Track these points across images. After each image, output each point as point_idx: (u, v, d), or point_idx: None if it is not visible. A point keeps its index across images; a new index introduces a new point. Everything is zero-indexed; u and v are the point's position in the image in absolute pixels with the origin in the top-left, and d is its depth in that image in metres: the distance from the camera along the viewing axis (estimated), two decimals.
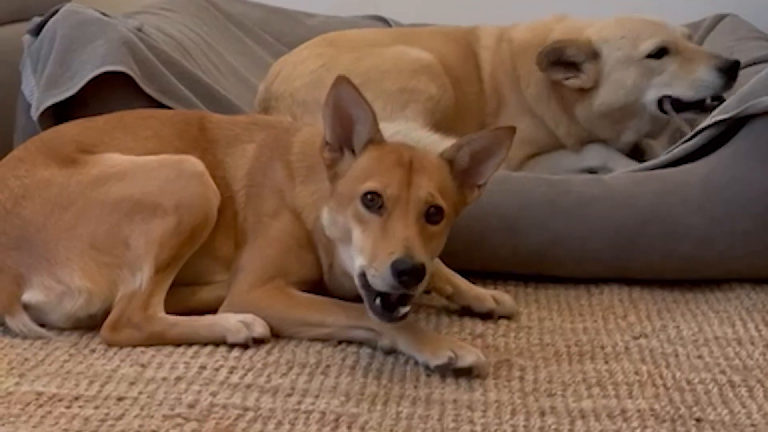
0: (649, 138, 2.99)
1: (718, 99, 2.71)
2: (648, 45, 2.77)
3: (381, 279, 1.80)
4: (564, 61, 2.81)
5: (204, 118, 2.26)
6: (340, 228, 1.95)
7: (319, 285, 2.12)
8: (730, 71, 2.70)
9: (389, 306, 1.84)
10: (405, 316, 1.85)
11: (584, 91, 2.83)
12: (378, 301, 1.84)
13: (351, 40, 2.94)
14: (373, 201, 1.88)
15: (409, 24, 3.65)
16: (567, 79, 2.82)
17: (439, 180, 1.94)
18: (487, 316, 2.18)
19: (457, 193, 1.99)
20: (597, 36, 2.82)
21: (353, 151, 1.98)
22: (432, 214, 1.89)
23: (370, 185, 1.88)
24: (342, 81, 1.93)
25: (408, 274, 1.77)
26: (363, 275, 1.85)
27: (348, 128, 1.97)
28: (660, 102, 2.79)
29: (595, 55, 2.80)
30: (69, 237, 1.96)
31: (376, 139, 1.97)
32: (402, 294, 1.82)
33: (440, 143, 2.56)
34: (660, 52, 2.77)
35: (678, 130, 2.97)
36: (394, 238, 1.81)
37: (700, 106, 2.75)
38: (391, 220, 1.85)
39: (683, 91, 2.75)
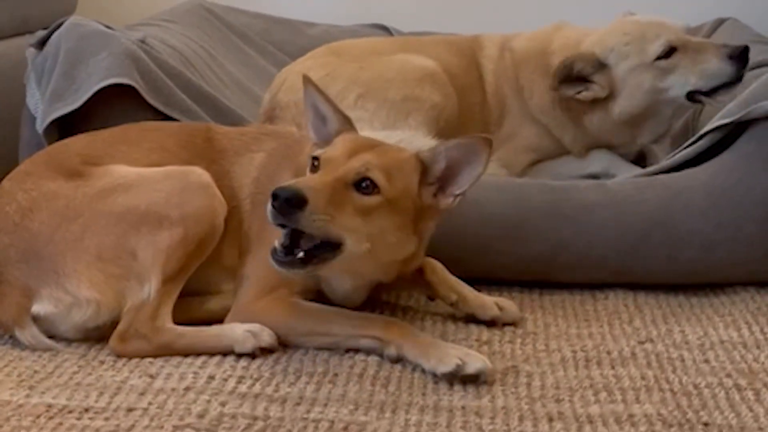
0: (653, 142, 3.00)
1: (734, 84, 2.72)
2: (656, 47, 2.77)
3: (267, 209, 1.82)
4: (573, 76, 2.81)
5: (210, 129, 2.27)
6: None
7: (324, 293, 2.13)
8: (740, 57, 2.70)
9: (286, 249, 1.85)
10: (297, 264, 1.86)
11: (597, 102, 2.83)
12: (276, 242, 1.85)
13: (355, 50, 2.95)
14: (314, 166, 1.93)
15: (410, 32, 3.66)
16: (578, 93, 2.82)
17: (394, 164, 1.94)
18: (491, 323, 2.19)
19: (429, 196, 1.99)
20: (600, 46, 2.82)
21: None
22: (364, 187, 1.90)
23: (316, 153, 1.94)
24: (308, 83, 2.04)
25: (281, 198, 1.78)
26: None
27: (326, 126, 2.05)
28: (689, 95, 2.78)
29: (602, 65, 2.80)
30: (76, 249, 1.98)
31: (344, 130, 2.03)
32: (294, 236, 1.84)
33: None
34: (669, 52, 2.77)
35: (683, 131, 2.98)
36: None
37: (720, 87, 2.74)
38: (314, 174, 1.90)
39: (699, 83, 2.75)
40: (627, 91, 2.80)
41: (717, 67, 2.72)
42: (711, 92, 2.76)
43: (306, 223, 1.82)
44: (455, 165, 1.98)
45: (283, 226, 1.85)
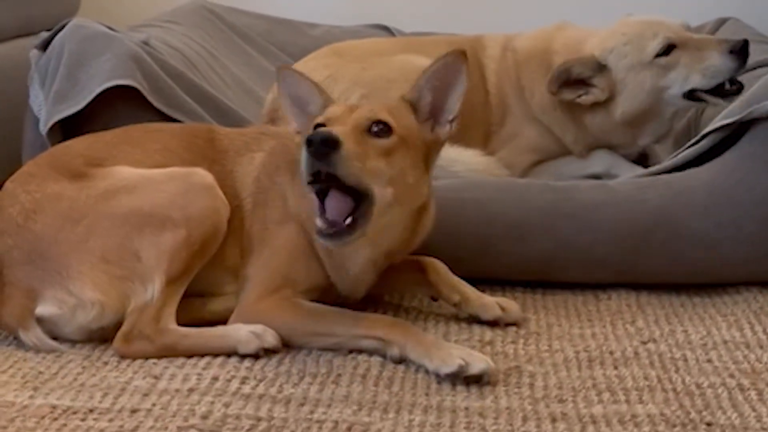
0: (655, 143, 3.00)
1: (736, 83, 2.72)
2: (654, 45, 2.77)
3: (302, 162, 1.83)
4: (572, 79, 2.81)
5: (212, 130, 2.28)
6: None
7: (327, 291, 2.13)
8: (741, 52, 2.69)
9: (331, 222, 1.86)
10: (346, 232, 1.86)
11: (598, 104, 2.83)
12: (318, 221, 1.86)
13: (357, 50, 2.96)
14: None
15: (411, 33, 3.66)
16: (579, 96, 2.81)
17: (391, 108, 1.99)
18: (494, 323, 2.19)
19: (428, 131, 2.04)
20: (600, 48, 2.81)
21: None
22: (378, 131, 1.93)
23: (317, 120, 1.97)
24: (282, 70, 2.08)
25: (316, 140, 1.80)
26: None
27: (306, 109, 2.07)
28: (688, 93, 2.78)
29: (602, 67, 2.80)
30: (80, 250, 1.98)
31: (330, 103, 2.06)
32: (329, 186, 1.84)
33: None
34: (668, 49, 2.76)
35: (685, 131, 2.98)
36: None
37: (720, 92, 2.75)
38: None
39: (699, 80, 2.74)
40: (628, 92, 2.80)
41: (718, 62, 2.71)
42: (711, 91, 2.76)
43: (343, 165, 1.83)
44: (440, 93, 2.03)
45: (317, 179, 1.84)
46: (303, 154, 1.83)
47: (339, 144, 1.82)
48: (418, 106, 2.04)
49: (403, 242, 2.10)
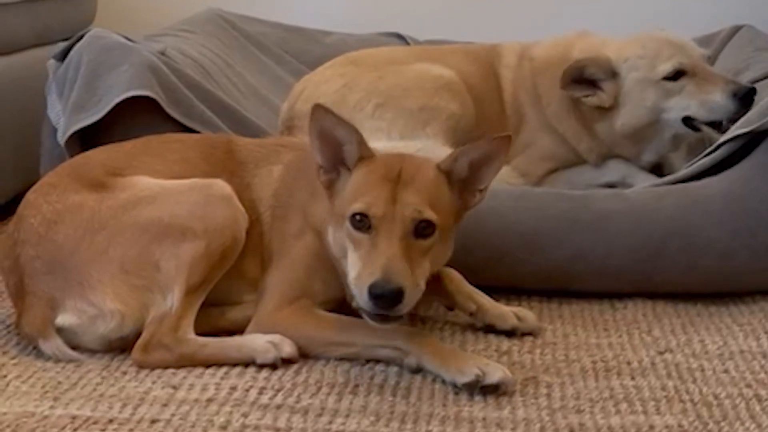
0: (659, 161, 3.00)
1: (735, 121, 2.72)
2: (665, 67, 2.77)
3: (361, 299, 1.85)
4: (584, 79, 2.82)
5: (231, 141, 2.29)
6: (339, 245, 1.98)
7: (344, 303, 2.13)
8: (744, 98, 2.69)
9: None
10: (397, 319, 1.88)
11: (604, 110, 2.84)
12: (366, 308, 1.86)
13: (373, 59, 2.96)
14: (361, 222, 1.91)
15: (425, 41, 3.67)
16: (586, 96, 2.83)
17: (430, 191, 1.95)
18: (510, 333, 2.19)
19: (457, 199, 2.01)
20: (616, 55, 2.83)
21: (348, 168, 2.01)
22: (422, 229, 1.92)
23: (356, 207, 1.92)
24: (319, 110, 1.98)
25: (384, 298, 1.81)
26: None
27: (337, 149, 2.01)
28: (685, 120, 2.79)
29: (614, 74, 2.81)
30: (101, 260, 1.99)
31: (366, 155, 2.00)
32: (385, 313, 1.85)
33: None
34: (677, 74, 2.77)
35: (699, 140, 2.98)
36: (377, 259, 1.85)
37: (717, 127, 2.75)
38: (378, 239, 1.89)
39: (698, 112, 2.76)
40: (630, 104, 2.82)
41: (719, 101, 2.72)
42: (707, 125, 2.76)
43: (405, 308, 1.85)
44: (477, 167, 2.01)
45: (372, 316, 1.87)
46: (365, 302, 1.83)
47: (403, 295, 1.82)
48: (451, 176, 2.00)
49: None
